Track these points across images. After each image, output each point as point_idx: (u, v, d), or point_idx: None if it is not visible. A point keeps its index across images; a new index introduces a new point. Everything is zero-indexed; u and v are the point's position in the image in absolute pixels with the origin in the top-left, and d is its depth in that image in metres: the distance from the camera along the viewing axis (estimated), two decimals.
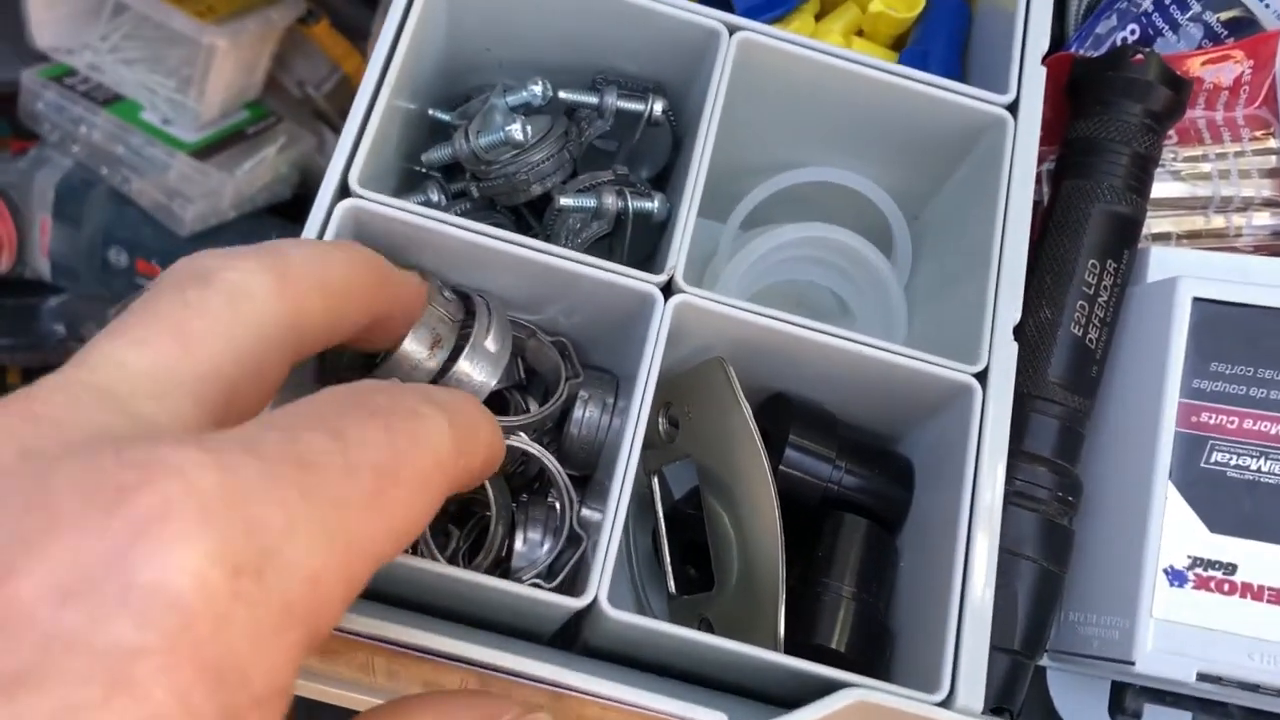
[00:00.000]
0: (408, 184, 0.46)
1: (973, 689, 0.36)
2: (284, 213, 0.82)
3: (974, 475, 0.38)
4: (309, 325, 0.26)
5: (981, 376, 0.40)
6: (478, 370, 0.37)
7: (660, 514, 0.44)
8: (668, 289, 0.39)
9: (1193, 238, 0.49)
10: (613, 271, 0.38)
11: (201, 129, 0.94)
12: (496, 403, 0.43)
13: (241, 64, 0.93)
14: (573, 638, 0.40)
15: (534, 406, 0.43)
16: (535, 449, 0.38)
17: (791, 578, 0.41)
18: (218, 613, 0.17)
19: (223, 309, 0.24)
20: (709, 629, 0.41)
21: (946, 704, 0.35)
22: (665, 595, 0.44)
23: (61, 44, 0.93)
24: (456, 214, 0.43)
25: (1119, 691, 0.45)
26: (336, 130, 0.99)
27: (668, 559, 0.43)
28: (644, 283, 0.38)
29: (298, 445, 0.20)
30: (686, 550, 0.44)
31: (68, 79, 0.94)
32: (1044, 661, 0.45)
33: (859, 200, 0.49)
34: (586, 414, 0.42)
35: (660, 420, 0.44)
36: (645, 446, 0.44)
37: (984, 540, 0.37)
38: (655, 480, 0.44)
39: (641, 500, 0.45)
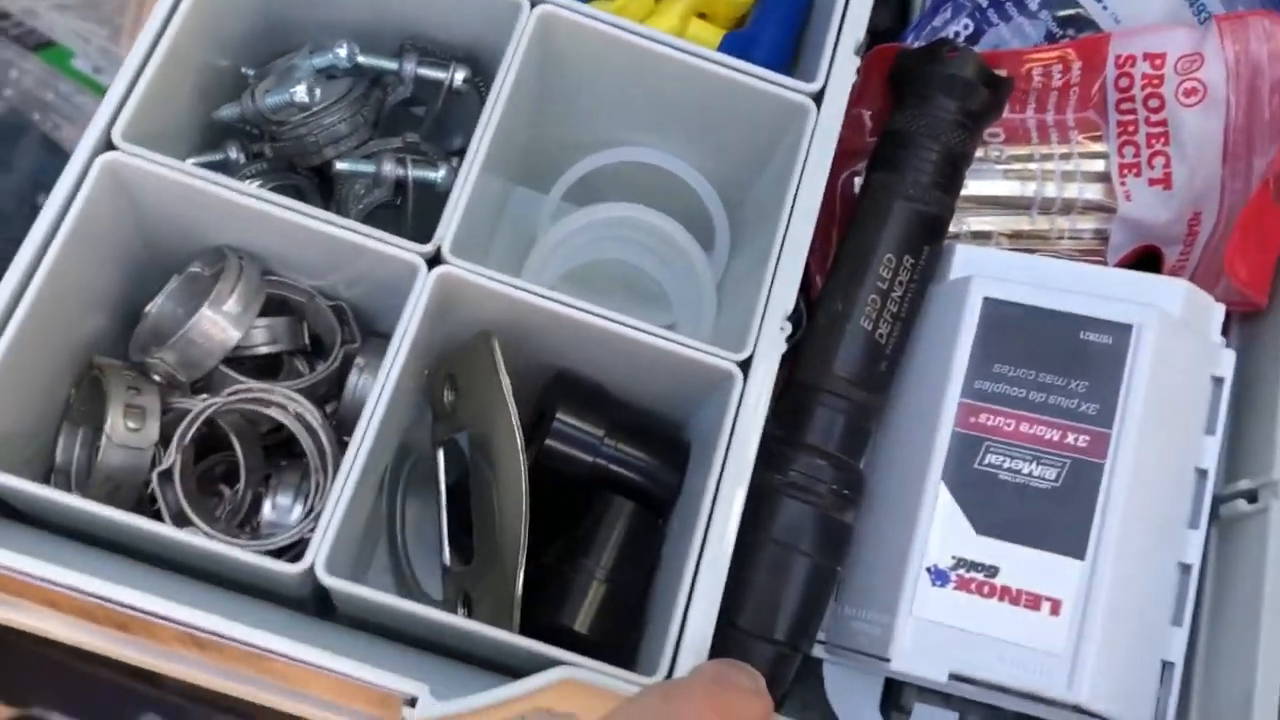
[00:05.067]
0: (212, 143, 0.45)
1: None
2: None
3: (723, 460, 0.38)
4: None
5: (747, 365, 0.39)
6: (217, 328, 0.37)
7: (442, 485, 0.44)
8: (437, 260, 0.39)
9: (1015, 238, 0.49)
10: (375, 239, 0.38)
11: None
12: (272, 366, 0.42)
13: None
14: (332, 608, 0.40)
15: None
16: (286, 419, 0.38)
17: (552, 555, 0.41)
18: None
19: None
20: (468, 603, 0.41)
21: None
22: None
23: None
24: (249, 174, 0.43)
25: (893, 688, 0.44)
26: None
27: (444, 531, 0.43)
28: (406, 251, 0.38)
29: None
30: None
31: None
32: (821, 654, 0.44)
33: (687, 190, 0.48)
34: (361, 381, 0.41)
35: (445, 392, 0.43)
36: (435, 418, 0.45)
37: (721, 523, 0.37)
38: (440, 452, 0.44)
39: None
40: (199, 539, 0.34)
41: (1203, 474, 0.42)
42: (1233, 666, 0.41)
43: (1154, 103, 0.47)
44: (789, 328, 0.40)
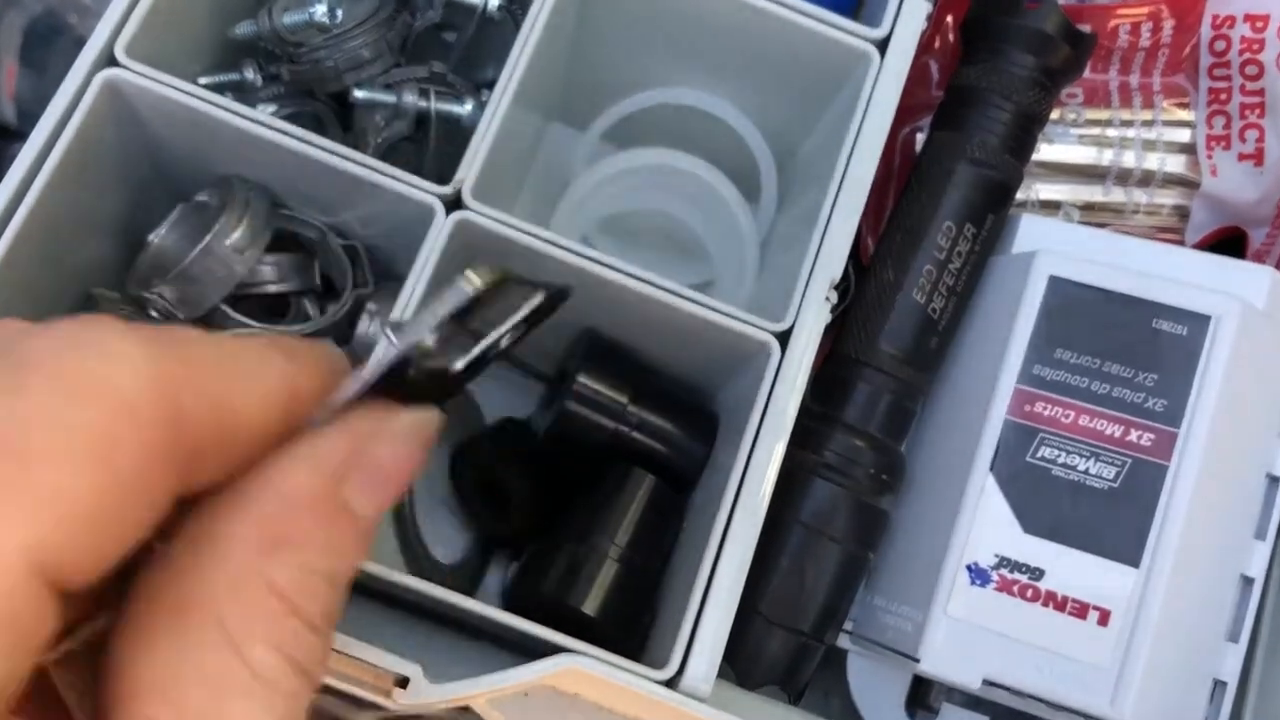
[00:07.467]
0: (227, 63, 0.42)
1: (705, 670, 0.33)
2: None
3: (753, 442, 0.35)
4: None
5: (787, 336, 0.36)
6: (220, 264, 0.34)
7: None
8: (458, 203, 0.36)
9: (1087, 210, 0.45)
10: (389, 176, 0.35)
11: None
12: (280, 306, 0.40)
13: None
14: None
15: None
16: None
17: (563, 530, 0.38)
18: None
19: None
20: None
21: (672, 684, 0.32)
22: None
23: None
24: (265, 98, 0.40)
25: (920, 685, 0.42)
26: None
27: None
28: (423, 192, 0.35)
29: None
30: None
31: None
32: (846, 645, 0.42)
33: (734, 138, 0.45)
34: (372, 327, 0.39)
35: None
36: None
37: (747, 511, 0.34)
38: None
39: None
40: None
41: (1275, 481, 0.39)
42: None
43: (1251, 70, 0.43)
44: (834, 297, 0.37)
